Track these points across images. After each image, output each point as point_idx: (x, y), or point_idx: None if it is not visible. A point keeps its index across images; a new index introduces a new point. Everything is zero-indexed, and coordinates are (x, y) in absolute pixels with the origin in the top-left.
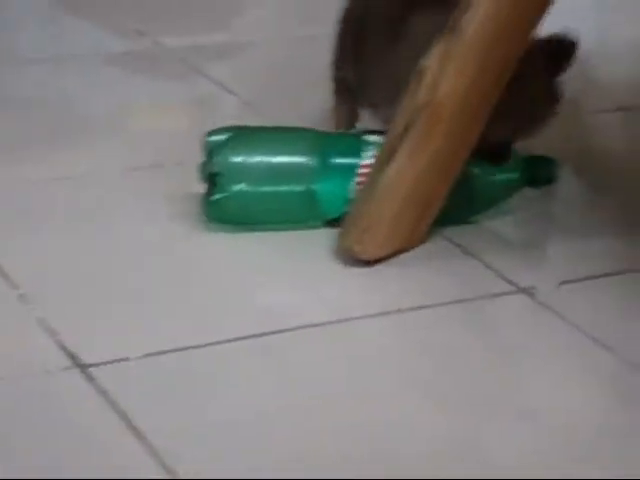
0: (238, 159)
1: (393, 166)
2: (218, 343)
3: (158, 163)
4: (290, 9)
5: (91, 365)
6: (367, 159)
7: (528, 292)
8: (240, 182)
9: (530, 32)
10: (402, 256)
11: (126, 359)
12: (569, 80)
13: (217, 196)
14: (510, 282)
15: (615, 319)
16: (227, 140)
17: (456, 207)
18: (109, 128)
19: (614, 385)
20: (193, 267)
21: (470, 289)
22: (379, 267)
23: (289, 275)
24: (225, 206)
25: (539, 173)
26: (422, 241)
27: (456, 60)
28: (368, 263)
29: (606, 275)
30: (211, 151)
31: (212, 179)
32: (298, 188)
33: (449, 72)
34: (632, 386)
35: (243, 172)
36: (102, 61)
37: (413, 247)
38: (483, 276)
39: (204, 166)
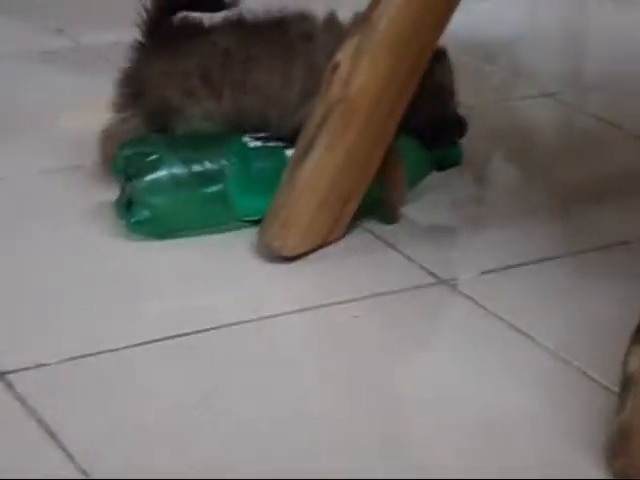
0: (152, 176)
1: (311, 160)
2: (140, 344)
3: (79, 164)
4: None
5: (9, 372)
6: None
7: (449, 283)
8: (157, 196)
9: (444, 24)
10: (323, 251)
11: (45, 364)
12: (496, 67)
13: (136, 218)
14: (431, 274)
15: (535, 307)
16: (140, 157)
17: (372, 194)
18: (32, 128)
19: (534, 373)
20: (112, 271)
21: (392, 282)
22: (300, 262)
23: (209, 276)
24: (145, 225)
25: (446, 156)
26: (342, 235)
27: (368, 55)
28: (288, 259)
29: (525, 264)
30: (125, 170)
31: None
32: (215, 191)
33: (362, 67)
34: (552, 373)
35: (159, 188)
36: (24, 60)
37: (333, 241)
38: (405, 269)
39: (121, 180)
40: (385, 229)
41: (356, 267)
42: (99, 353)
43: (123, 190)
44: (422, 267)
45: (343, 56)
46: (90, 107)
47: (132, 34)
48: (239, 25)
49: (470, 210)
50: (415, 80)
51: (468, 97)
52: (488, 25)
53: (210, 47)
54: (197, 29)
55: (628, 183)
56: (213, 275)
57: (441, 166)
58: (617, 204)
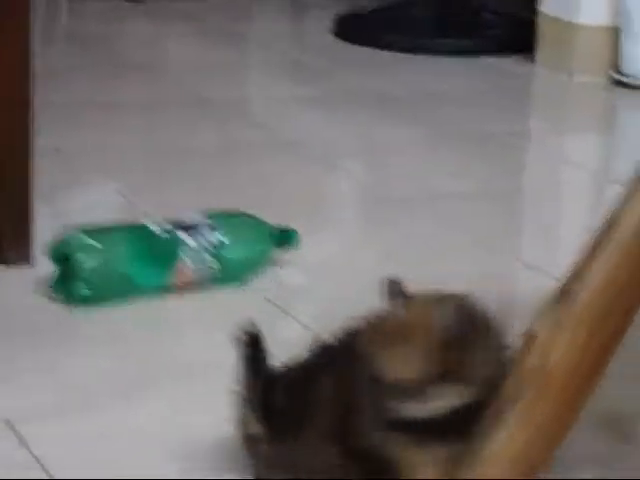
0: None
1: (501, 433)
2: None
3: None
4: None
5: None
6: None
7: None
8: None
9: None
10: None
11: None
12: None
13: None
14: None
15: None
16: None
17: None
18: None
19: None
20: None
21: None
22: None
23: None
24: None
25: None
26: None
27: (567, 329)
28: None
29: None
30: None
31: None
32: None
33: (560, 341)
34: None
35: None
36: None
37: None
38: None
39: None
40: None
41: None
42: None
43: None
44: None
45: (541, 327)
46: None
47: None
48: None
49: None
50: (609, 357)
51: None
52: None
53: None
54: None
55: None
56: None
57: (280, 244)
58: None
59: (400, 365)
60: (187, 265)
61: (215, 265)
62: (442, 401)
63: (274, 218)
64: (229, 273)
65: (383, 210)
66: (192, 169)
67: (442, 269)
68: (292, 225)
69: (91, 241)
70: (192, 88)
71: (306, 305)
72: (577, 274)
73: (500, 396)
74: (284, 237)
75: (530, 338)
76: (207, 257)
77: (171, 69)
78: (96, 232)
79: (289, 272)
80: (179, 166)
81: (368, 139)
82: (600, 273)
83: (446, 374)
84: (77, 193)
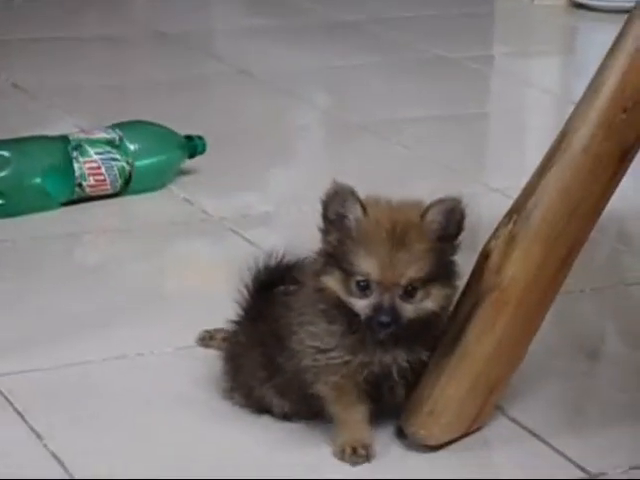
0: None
1: (460, 349)
2: None
3: None
4: None
5: None
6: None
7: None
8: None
9: (598, 215)
10: (466, 440)
11: None
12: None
13: None
14: (580, 467)
15: None
16: None
17: None
18: None
19: None
20: None
21: (539, 477)
22: (443, 452)
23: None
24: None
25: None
26: (486, 423)
27: (522, 244)
28: (432, 447)
29: None
30: None
31: None
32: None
33: (515, 256)
34: None
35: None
36: None
37: (477, 430)
38: (551, 461)
39: None
40: (528, 416)
41: (501, 459)
42: None
43: None
44: (570, 460)
45: (495, 244)
46: None
47: None
48: None
49: (614, 398)
50: (565, 272)
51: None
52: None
53: None
54: None
55: None
56: None
57: (189, 152)
58: None
59: (392, 264)
60: (98, 173)
61: (125, 172)
62: (429, 303)
63: (238, 148)
64: (139, 181)
65: (347, 136)
66: (152, 103)
67: (406, 193)
68: (258, 154)
69: (4, 153)
70: (152, 22)
71: (272, 234)
72: (530, 191)
73: (458, 314)
74: (192, 145)
75: (485, 256)
76: (117, 164)
77: (130, 3)
78: (9, 144)
79: (254, 200)
80: (138, 101)
81: (330, 67)
82: (553, 190)
83: (435, 275)
84: (35, 128)
